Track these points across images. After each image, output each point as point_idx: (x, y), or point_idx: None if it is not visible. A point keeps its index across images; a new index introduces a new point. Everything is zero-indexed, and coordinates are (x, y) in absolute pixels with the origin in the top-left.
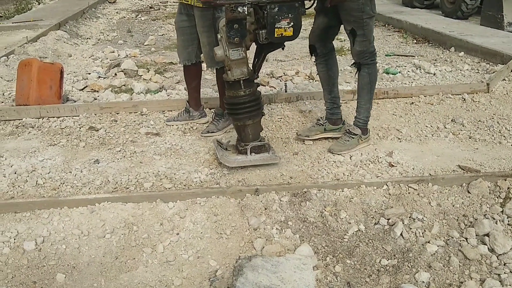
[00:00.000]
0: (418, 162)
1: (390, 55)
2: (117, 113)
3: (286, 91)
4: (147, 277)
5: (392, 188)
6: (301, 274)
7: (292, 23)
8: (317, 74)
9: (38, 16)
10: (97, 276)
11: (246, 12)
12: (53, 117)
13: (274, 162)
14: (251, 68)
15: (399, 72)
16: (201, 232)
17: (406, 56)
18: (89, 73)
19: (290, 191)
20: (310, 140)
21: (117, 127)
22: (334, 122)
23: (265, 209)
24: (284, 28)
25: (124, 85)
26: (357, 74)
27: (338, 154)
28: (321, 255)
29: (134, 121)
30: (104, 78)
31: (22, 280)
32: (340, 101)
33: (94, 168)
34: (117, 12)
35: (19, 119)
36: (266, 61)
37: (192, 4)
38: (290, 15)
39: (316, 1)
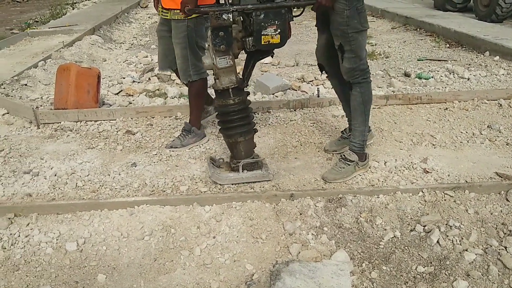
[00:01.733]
0: (454, 168)
1: (422, 60)
2: (153, 117)
3: (318, 96)
4: (185, 279)
5: (428, 194)
6: (338, 279)
7: (279, 30)
8: (331, 88)
9: (73, 21)
10: (136, 278)
11: (231, 20)
12: (91, 121)
13: (267, 179)
14: (241, 77)
15: (432, 77)
16: (237, 236)
17: (439, 60)
18: (124, 78)
19: (325, 196)
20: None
21: (152, 131)
22: None
23: (300, 214)
24: (271, 35)
25: (158, 90)
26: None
27: (331, 182)
28: (357, 261)
29: (169, 125)
30: (138, 82)
31: (65, 279)
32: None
33: (132, 171)
34: (149, 17)
35: (58, 123)
36: (297, 65)
37: (169, 18)
38: (276, 22)
39: (303, 11)
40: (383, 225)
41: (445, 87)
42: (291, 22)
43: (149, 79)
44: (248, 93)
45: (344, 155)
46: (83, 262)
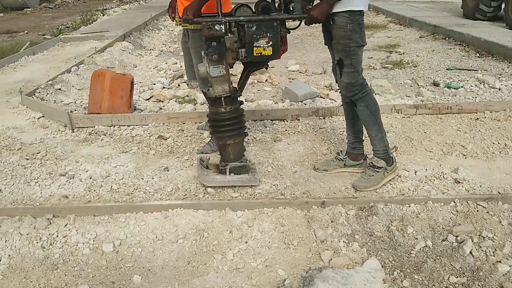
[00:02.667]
0: (486, 179)
1: (452, 69)
2: (183, 123)
3: None
4: (218, 283)
5: (460, 205)
6: (371, 287)
7: (271, 42)
8: (341, 105)
9: (104, 27)
10: (171, 280)
11: (223, 30)
12: (124, 126)
13: (253, 184)
14: (233, 86)
15: (462, 87)
16: (269, 242)
17: (468, 70)
18: (154, 84)
19: (356, 204)
20: (329, 174)
21: (184, 137)
22: (355, 158)
23: (332, 221)
24: (263, 47)
25: (187, 96)
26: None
27: (362, 191)
28: (388, 269)
29: (199, 132)
30: (168, 88)
31: (101, 280)
32: (363, 136)
33: (164, 175)
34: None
35: (92, 127)
36: (324, 73)
37: (188, 28)
38: (268, 34)
39: (300, 25)
40: (415, 234)
41: (476, 97)
42: (287, 36)
43: (179, 85)
44: (241, 102)
45: (372, 163)
46: (119, 263)
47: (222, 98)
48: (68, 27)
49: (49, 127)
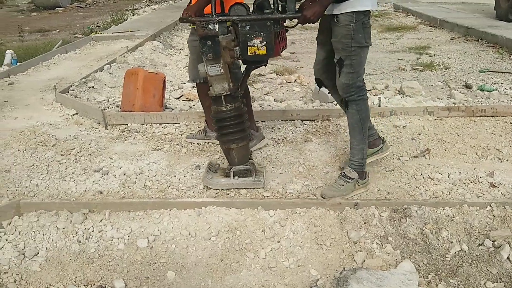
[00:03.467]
0: None
1: (485, 71)
2: None
3: (379, 105)
4: (250, 281)
5: (497, 209)
6: None
7: (264, 42)
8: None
9: (134, 27)
10: (204, 276)
11: (217, 29)
12: (156, 124)
13: (258, 187)
14: (234, 85)
15: (496, 89)
16: (301, 242)
17: (502, 72)
18: (184, 83)
19: (389, 206)
20: None
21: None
22: (372, 145)
23: (365, 223)
24: (257, 46)
25: None
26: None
27: (330, 199)
28: (422, 273)
29: None
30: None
31: (136, 274)
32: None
33: (196, 173)
34: None
35: (125, 124)
36: None
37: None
38: (262, 33)
39: (297, 24)
40: (449, 237)
41: (511, 100)
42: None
43: None
44: (243, 101)
45: (344, 172)
46: (153, 259)
47: (222, 97)
48: (98, 26)
49: (83, 124)
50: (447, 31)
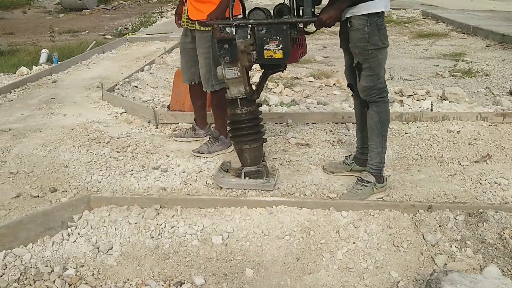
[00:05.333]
0: None
1: None
2: (264, 123)
3: (432, 110)
4: (329, 281)
5: None
6: None
7: (281, 46)
8: (353, 108)
9: (166, 29)
10: (282, 275)
11: (234, 33)
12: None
13: (267, 189)
14: (251, 89)
15: None
16: (377, 243)
17: None
18: None
19: (464, 210)
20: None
21: (267, 136)
22: (362, 163)
23: (440, 226)
24: (274, 50)
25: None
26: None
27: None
28: (508, 279)
29: (281, 131)
30: None
31: (213, 271)
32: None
33: None
34: None
35: (176, 123)
36: (391, 79)
37: (195, 28)
38: (278, 37)
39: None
40: None
41: None
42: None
43: None
44: (259, 105)
45: (361, 177)
46: (229, 256)
47: (238, 100)
48: (127, 28)
49: (132, 122)
50: (481, 38)
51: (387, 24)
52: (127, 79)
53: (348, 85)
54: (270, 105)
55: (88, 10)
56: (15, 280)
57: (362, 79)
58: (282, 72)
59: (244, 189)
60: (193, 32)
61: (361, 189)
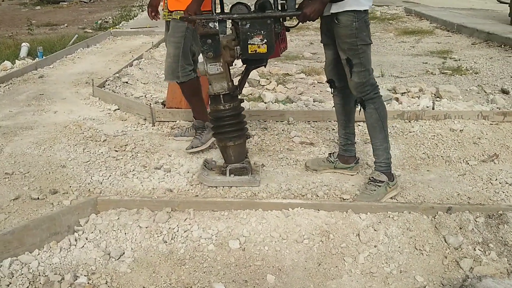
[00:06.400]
0: None
1: None
2: (265, 121)
3: (433, 109)
4: (353, 286)
5: None
6: None
7: (265, 40)
8: (333, 106)
9: (144, 23)
10: (304, 281)
11: (217, 28)
12: None
13: (253, 185)
14: (233, 84)
15: None
16: (399, 247)
17: None
18: None
19: (484, 212)
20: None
21: (269, 135)
22: (346, 160)
23: (460, 228)
24: (258, 44)
25: (251, 94)
26: (363, 112)
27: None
28: None
29: (283, 130)
30: None
31: (233, 277)
32: (355, 138)
33: (263, 173)
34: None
35: (173, 121)
36: (382, 76)
37: (170, 18)
38: (262, 31)
39: (298, 23)
40: None
41: None
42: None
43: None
44: (241, 101)
45: (373, 177)
46: (248, 261)
47: (221, 96)
48: (106, 22)
49: (127, 119)
50: (466, 36)
51: (371, 21)
52: (117, 75)
53: (328, 81)
54: (266, 102)
55: (66, 3)
56: None
57: (354, 76)
58: (264, 67)
59: (230, 186)
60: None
61: (375, 190)
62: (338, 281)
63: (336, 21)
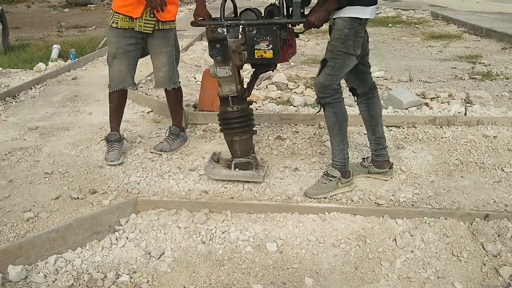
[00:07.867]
0: None
1: None
2: (296, 125)
3: (465, 114)
4: None
5: None
6: None
7: (271, 46)
8: (359, 113)
9: (180, 26)
10: (342, 284)
11: (225, 33)
12: None
13: (256, 180)
14: (242, 86)
15: None
16: (436, 252)
17: None
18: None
19: None
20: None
21: (301, 138)
22: (380, 165)
23: (498, 236)
24: (264, 50)
25: (279, 97)
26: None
27: (314, 198)
28: None
29: (314, 134)
30: (257, 89)
31: (271, 279)
32: (386, 143)
33: (297, 176)
34: None
35: (206, 124)
36: (411, 81)
37: (156, 28)
38: (268, 37)
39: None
40: None
41: None
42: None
43: (267, 86)
44: (250, 103)
45: (326, 171)
46: (285, 264)
47: (230, 98)
48: None
49: (160, 122)
50: (495, 40)
51: (397, 25)
52: (149, 78)
53: (350, 89)
54: (296, 106)
55: (93, 5)
56: (68, 286)
57: (321, 76)
58: (272, 71)
59: (234, 180)
60: (138, 34)
61: (325, 183)
62: (375, 285)
63: (332, 23)
